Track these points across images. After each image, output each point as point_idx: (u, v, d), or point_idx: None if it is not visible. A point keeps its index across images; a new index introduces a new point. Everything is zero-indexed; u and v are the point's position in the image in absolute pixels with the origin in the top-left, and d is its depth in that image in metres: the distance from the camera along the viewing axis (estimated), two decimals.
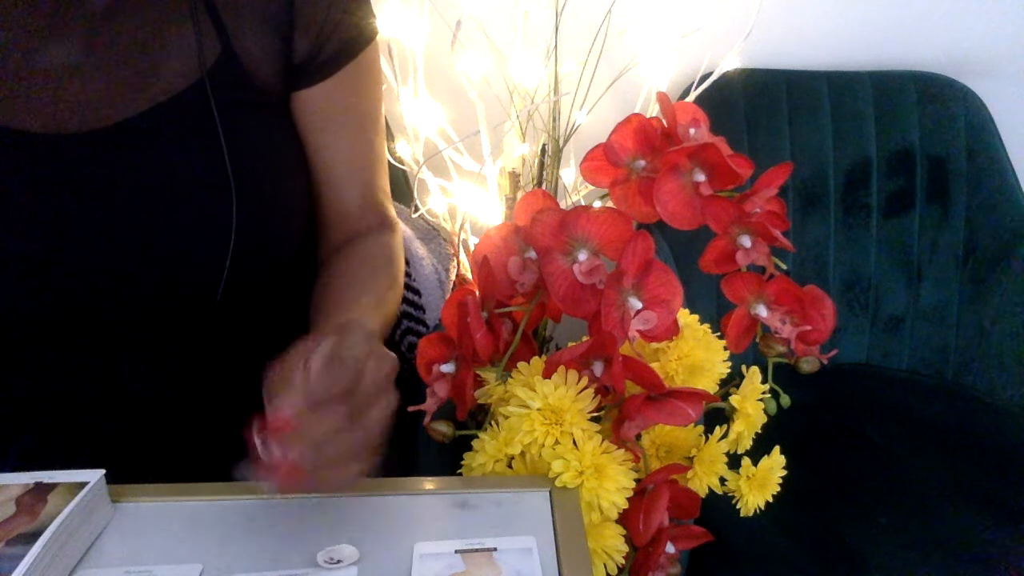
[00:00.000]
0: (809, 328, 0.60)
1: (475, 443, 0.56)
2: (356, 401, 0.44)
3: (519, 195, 1.07)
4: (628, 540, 0.55)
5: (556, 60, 0.99)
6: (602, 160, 0.60)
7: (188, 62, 0.59)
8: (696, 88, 1.14)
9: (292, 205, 0.66)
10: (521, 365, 0.58)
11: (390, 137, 0.99)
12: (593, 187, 1.00)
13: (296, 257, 0.68)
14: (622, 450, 0.54)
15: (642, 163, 0.59)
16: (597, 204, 0.82)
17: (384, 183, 0.74)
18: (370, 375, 0.46)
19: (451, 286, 0.90)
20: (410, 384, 0.81)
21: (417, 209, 0.99)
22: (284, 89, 0.64)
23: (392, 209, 0.75)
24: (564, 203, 1.11)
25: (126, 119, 0.57)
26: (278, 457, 0.42)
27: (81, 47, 0.56)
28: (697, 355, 0.63)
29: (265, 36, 0.61)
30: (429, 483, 0.52)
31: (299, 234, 0.68)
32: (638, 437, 0.61)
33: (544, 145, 1.05)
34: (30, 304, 0.58)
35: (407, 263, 0.83)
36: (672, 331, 0.58)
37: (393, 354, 0.50)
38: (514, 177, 1.06)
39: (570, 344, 0.57)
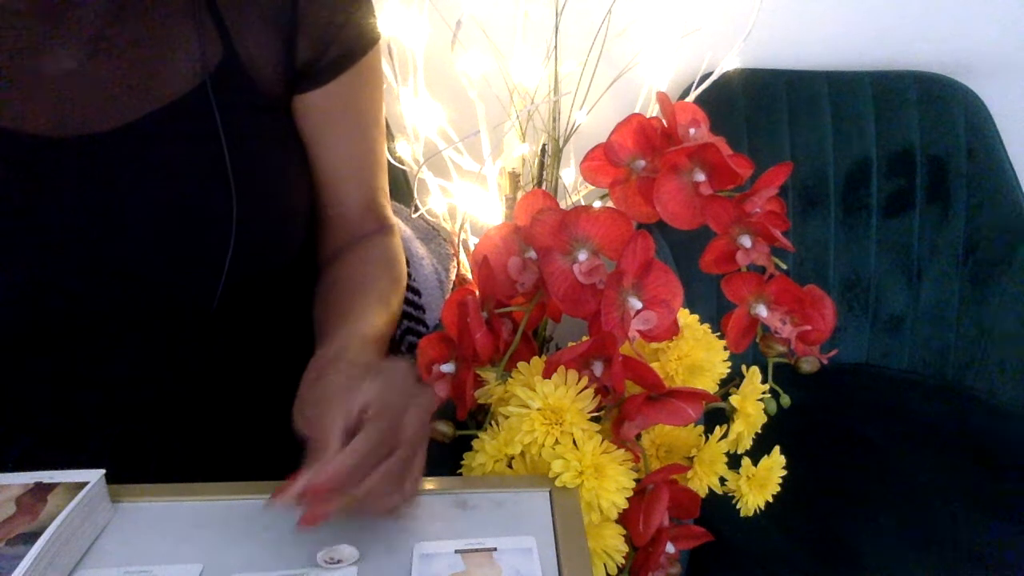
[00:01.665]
0: (809, 328, 0.60)
1: (475, 443, 0.56)
2: (400, 456, 0.44)
3: (519, 195, 1.07)
4: (628, 540, 0.55)
5: (556, 60, 0.99)
6: (602, 160, 0.60)
7: (191, 65, 0.59)
8: (696, 88, 1.14)
9: (293, 208, 0.66)
10: (521, 365, 0.58)
11: (390, 137, 0.99)
12: (593, 187, 1.00)
13: (296, 262, 0.68)
14: (622, 450, 0.54)
15: (642, 163, 0.59)
16: (597, 204, 0.82)
17: (384, 184, 0.74)
18: (410, 427, 0.45)
19: (451, 286, 0.90)
20: None
21: (417, 209, 0.99)
22: (286, 92, 0.64)
23: (390, 211, 0.75)
24: (564, 203, 1.11)
25: (129, 122, 0.57)
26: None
27: (85, 51, 0.56)
28: (697, 355, 0.63)
29: (268, 39, 0.61)
30: (429, 483, 0.52)
31: (299, 238, 0.68)
32: (638, 437, 0.61)
33: (544, 145, 1.05)
34: (30, 306, 0.58)
35: (407, 263, 0.83)
36: (672, 331, 0.58)
37: (431, 389, 0.50)
38: (514, 177, 1.07)
39: (570, 344, 0.57)
